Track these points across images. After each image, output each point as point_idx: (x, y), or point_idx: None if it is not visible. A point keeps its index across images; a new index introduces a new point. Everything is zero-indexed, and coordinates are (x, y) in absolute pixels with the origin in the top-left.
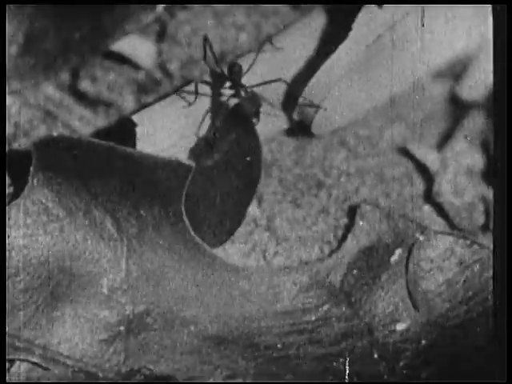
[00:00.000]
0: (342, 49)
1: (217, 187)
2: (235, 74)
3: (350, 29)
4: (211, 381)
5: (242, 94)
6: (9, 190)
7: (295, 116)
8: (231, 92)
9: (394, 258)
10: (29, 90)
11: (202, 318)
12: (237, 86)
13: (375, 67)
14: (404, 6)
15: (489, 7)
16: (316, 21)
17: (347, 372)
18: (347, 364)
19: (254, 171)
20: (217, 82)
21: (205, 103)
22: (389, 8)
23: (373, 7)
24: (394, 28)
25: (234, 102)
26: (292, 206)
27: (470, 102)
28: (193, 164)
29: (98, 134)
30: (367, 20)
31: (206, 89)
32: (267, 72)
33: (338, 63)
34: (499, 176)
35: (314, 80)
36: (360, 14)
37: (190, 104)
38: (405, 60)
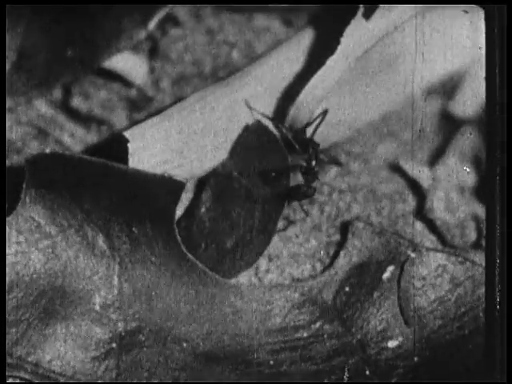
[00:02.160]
0: (331, 62)
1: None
2: (313, 149)
3: (338, 42)
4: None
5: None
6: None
7: (286, 132)
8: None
9: (386, 275)
10: (21, 107)
11: (194, 335)
12: (311, 162)
13: (366, 84)
14: (392, 20)
15: (482, 24)
16: (306, 37)
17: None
18: (346, 372)
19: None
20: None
21: (198, 119)
22: (377, 21)
23: (361, 20)
24: (383, 44)
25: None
26: (284, 223)
27: (462, 118)
28: (185, 181)
29: (91, 150)
30: (355, 33)
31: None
32: (258, 89)
33: (327, 77)
34: (491, 193)
35: (304, 92)
36: (348, 28)
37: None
38: (397, 77)
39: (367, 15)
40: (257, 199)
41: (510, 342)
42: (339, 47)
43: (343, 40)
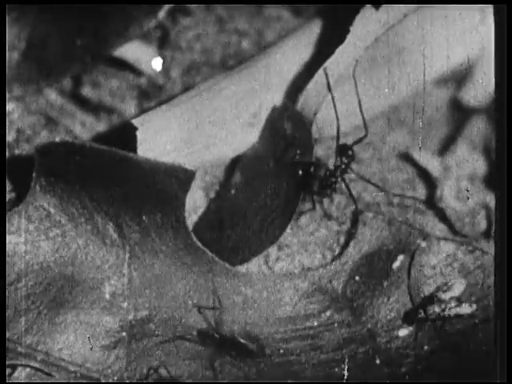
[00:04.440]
0: (340, 51)
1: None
2: (347, 158)
3: (347, 31)
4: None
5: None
6: (11, 195)
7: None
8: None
9: (396, 264)
10: (31, 96)
11: (204, 324)
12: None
13: (377, 73)
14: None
15: (491, 13)
16: (316, 27)
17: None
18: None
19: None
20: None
21: (208, 108)
22: (386, 10)
23: (370, 9)
24: (393, 32)
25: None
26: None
27: (472, 107)
28: (195, 169)
29: (100, 139)
30: (365, 22)
31: None
32: (266, 77)
33: (336, 65)
34: (501, 182)
35: (313, 81)
36: (357, 17)
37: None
38: (407, 66)
39: (377, 5)
40: (283, 182)
41: (510, 342)
42: (348, 36)
43: (352, 29)
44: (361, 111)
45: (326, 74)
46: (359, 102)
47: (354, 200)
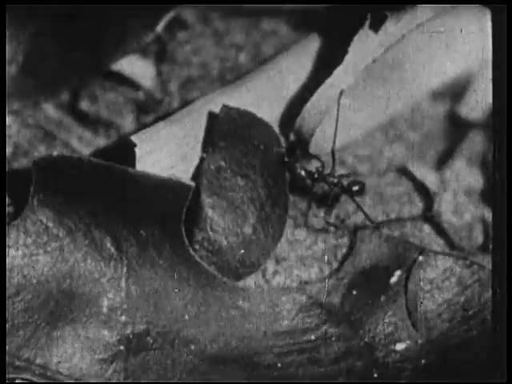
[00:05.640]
0: (339, 71)
1: (248, 220)
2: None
3: (346, 51)
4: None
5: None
6: (8, 209)
7: (293, 136)
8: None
9: (393, 280)
10: (28, 109)
11: (202, 338)
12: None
13: (374, 86)
14: (400, 27)
15: (489, 26)
16: (314, 42)
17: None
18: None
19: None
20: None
21: (205, 124)
22: (384, 30)
23: (369, 31)
24: (391, 48)
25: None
26: (291, 225)
27: (469, 121)
28: (193, 184)
29: (98, 153)
30: (363, 42)
31: None
32: (264, 91)
33: (335, 85)
34: (498, 196)
35: (312, 101)
36: (355, 37)
37: None
38: (404, 80)
39: (375, 28)
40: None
41: (510, 343)
42: (346, 57)
43: (351, 50)
44: (334, 135)
45: (341, 94)
46: (336, 126)
47: (365, 214)
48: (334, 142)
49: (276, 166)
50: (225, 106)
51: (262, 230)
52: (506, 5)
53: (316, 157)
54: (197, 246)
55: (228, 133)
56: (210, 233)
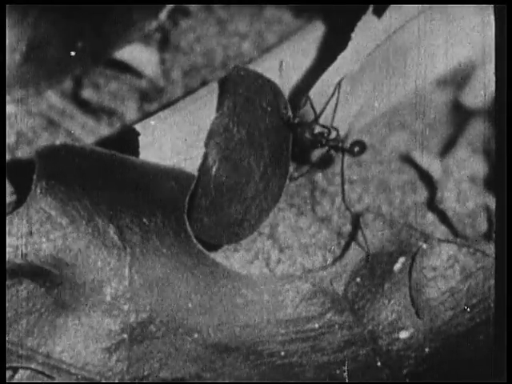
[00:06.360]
0: (342, 58)
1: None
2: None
3: (349, 38)
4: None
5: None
6: (12, 198)
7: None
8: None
9: (397, 266)
10: (32, 98)
11: (205, 326)
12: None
13: (377, 75)
14: (404, 14)
15: (491, 14)
16: (317, 30)
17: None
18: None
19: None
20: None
21: (210, 111)
22: (388, 16)
23: (372, 16)
24: (394, 36)
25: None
26: (295, 213)
27: (472, 109)
28: (196, 173)
29: (101, 142)
30: (366, 29)
31: None
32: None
33: (338, 73)
34: (501, 183)
35: (314, 88)
36: (359, 23)
37: None
38: (407, 68)
39: (378, 13)
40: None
41: (510, 341)
42: (350, 43)
43: (354, 36)
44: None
45: (339, 85)
46: (334, 112)
47: (366, 243)
48: (332, 126)
49: (282, 129)
50: (236, 66)
51: (263, 191)
52: (506, 5)
53: (323, 125)
54: (199, 209)
55: (238, 93)
56: (213, 192)
